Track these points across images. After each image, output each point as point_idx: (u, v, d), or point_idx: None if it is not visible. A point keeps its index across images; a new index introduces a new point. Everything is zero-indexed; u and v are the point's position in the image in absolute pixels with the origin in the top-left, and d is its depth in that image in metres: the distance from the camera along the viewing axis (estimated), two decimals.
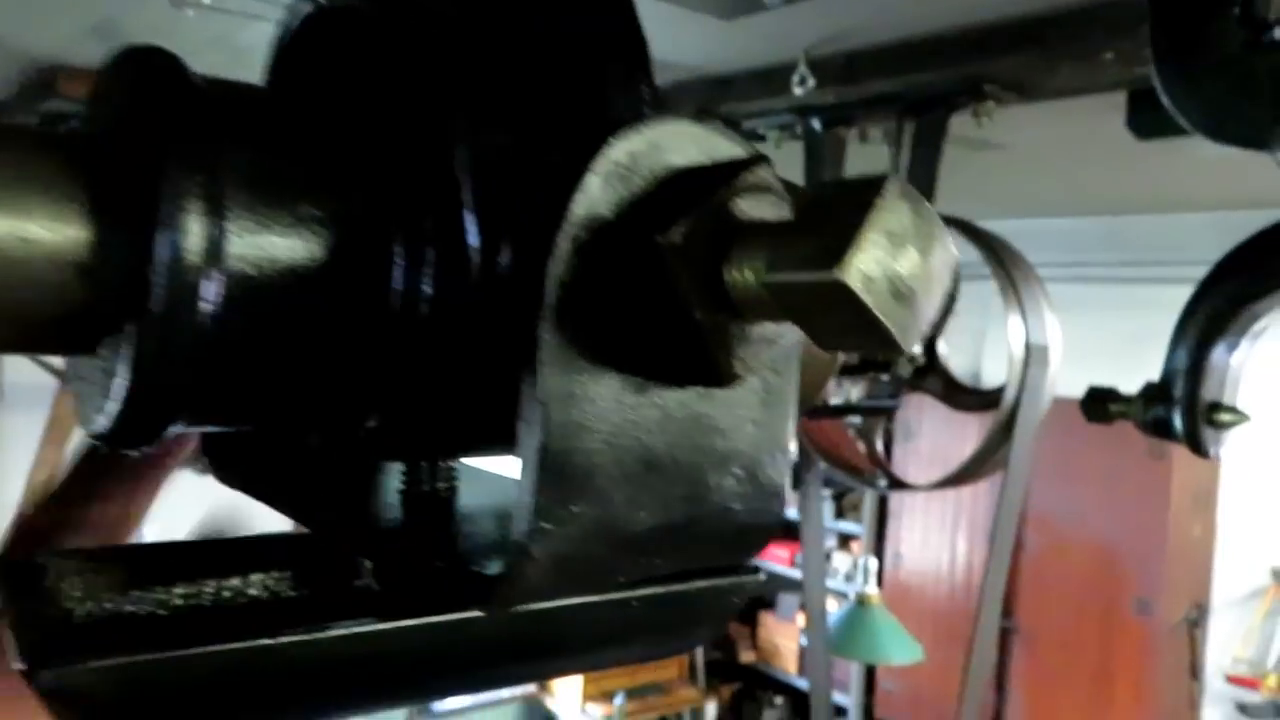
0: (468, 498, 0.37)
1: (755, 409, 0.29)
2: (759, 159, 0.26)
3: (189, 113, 0.27)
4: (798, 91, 2.12)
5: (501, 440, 0.32)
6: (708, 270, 0.24)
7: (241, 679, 0.30)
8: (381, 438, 0.33)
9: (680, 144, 0.26)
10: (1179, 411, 0.95)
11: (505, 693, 4.92)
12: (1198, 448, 0.95)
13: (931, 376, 2.32)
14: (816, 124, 2.31)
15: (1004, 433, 2.03)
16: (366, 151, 0.30)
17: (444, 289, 0.29)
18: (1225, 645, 3.96)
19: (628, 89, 0.30)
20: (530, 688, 5.03)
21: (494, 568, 0.28)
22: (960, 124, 2.14)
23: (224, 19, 1.80)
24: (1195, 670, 3.95)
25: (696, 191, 0.25)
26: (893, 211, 0.21)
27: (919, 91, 2.13)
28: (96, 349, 0.29)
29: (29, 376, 3.30)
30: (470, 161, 0.28)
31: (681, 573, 0.33)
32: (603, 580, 0.29)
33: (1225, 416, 0.94)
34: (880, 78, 2.14)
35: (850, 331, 0.22)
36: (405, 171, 0.30)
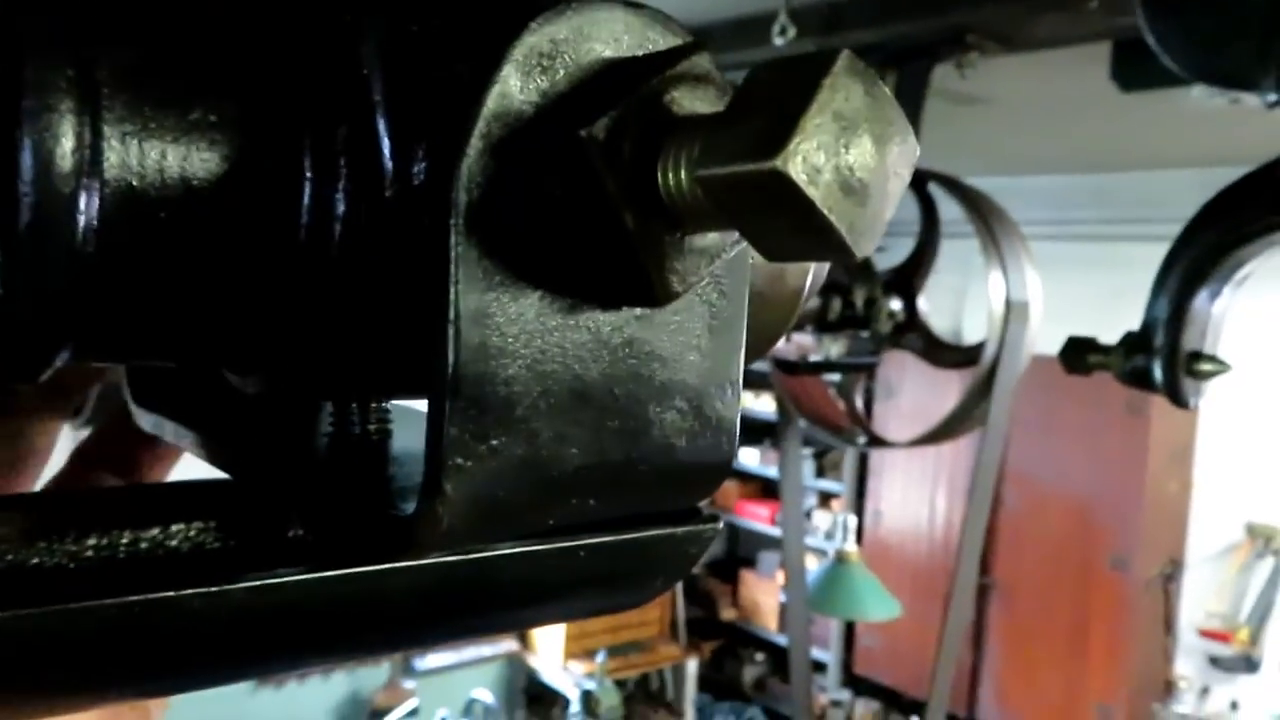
0: (402, 441, 0.35)
1: (701, 336, 0.26)
2: (696, 46, 0.23)
3: None
4: (778, 42, 2.08)
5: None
6: (637, 170, 0.21)
7: (139, 635, 0.27)
8: (300, 374, 0.30)
9: (610, 32, 0.23)
10: (1159, 361, 0.93)
11: (487, 650, 4.94)
12: (1177, 398, 0.93)
13: (912, 333, 2.31)
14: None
15: (983, 389, 2.02)
16: (271, 48, 0.27)
17: (359, 206, 0.26)
18: (1199, 599, 4.01)
19: None
20: (512, 645, 5.05)
21: (407, 509, 0.25)
22: (943, 77, 2.10)
23: None
24: (1169, 624, 4.01)
25: (625, 82, 0.22)
26: (843, 91, 0.19)
27: (902, 42, 2.09)
28: None
29: None
30: (380, 56, 0.25)
31: (634, 521, 0.31)
32: (531, 523, 0.26)
33: (1206, 366, 0.92)
34: (862, 28, 2.10)
35: (794, 233, 0.19)
36: (314, 71, 0.26)
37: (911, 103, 2.11)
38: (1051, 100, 2.77)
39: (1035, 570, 4.18)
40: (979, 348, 2.08)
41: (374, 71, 0.25)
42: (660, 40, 0.24)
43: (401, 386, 0.32)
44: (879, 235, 0.19)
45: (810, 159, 0.18)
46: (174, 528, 0.32)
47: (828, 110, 0.18)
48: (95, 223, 0.24)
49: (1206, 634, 3.94)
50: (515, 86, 0.22)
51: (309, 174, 0.26)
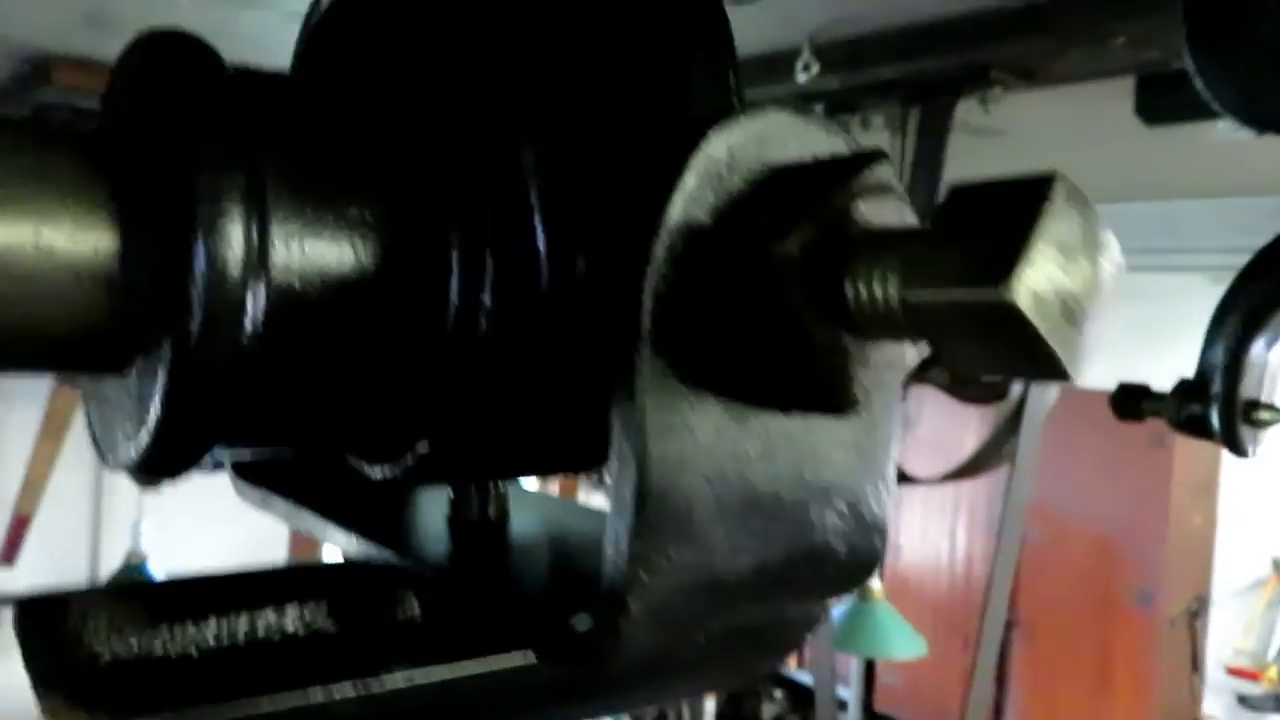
0: (517, 523, 0.35)
1: (859, 436, 0.26)
2: (877, 155, 0.22)
3: (224, 105, 0.24)
4: (801, 78, 2.08)
5: (563, 460, 0.29)
6: (828, 284, 0.21)
7: None
8: (431, 460, 0.30)
9: (781, 138, 0.23)
10: (1215, 409, 0.92)
11: None
12: (1236, 446, 0.92)
13: (936, 368, 2.30)
14: (820, 111, 2.27)
15: (1011, 426, 2.01)
16: (416, 147, 0.27)
17: (507, 300, 0.26)
18: (1226, 636, 3.96)
19: (714, 80, 0.26)
20: None
21: (583, 624, 0.25)
22: (964, 109, 2.10)
23: (221, 6, 1.75)
24: (1196, 662, 3.95)
25: (810, 194, 0.22)
26: (1063, 219, 0.18)
27: (925, 78, 2.09)
28: (124, 369, 0.26)
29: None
30: (538, 160, 0.25)
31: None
32: (697, 629, 0.26)
33: (1265, 415, 0.91)
34: (886, 64, 2.10)
35: (1007, 356, 0.19)
36: (462, 170, 0.26)
37: (934, 138, 2.12)
38: (1072, 133, 2.77)
39: (1058, 605, 4.14)
40: (1005, 383, 2.07)
41: (531, 173, 0.25)
42: (827, 143, 0.24)
43: (529, 468, 0.32)
44: (1093, 358, 0.19)
45: (1036, 287, 0.18)
46: (289, 611, 0.32)
47: (1051, 238, 0.18)
48: (260, 321, 0.24)
49: (1234, 672, 3.88)
50: (696, 196, 0.22)
51: (458, 270, 0.27)
